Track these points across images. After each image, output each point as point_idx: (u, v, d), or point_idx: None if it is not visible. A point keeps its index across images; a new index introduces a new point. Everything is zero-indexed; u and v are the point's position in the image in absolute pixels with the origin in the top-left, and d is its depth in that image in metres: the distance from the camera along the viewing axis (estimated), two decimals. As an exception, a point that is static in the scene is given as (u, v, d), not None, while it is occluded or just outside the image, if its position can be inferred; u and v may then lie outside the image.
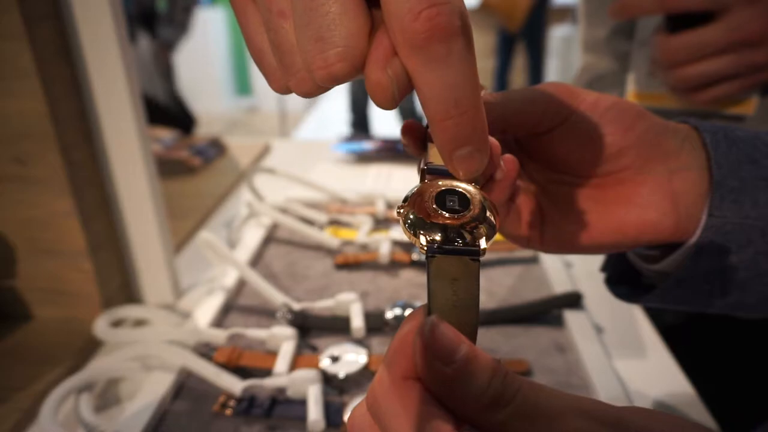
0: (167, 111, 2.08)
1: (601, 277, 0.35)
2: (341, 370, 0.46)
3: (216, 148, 1.03)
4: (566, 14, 3.99)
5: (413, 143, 0.28)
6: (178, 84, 2.24)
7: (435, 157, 0.25)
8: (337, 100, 3.86)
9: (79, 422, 0.42)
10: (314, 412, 0.41)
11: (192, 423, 0.42)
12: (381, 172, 0.96)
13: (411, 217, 0.21)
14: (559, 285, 0.59)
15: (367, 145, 1.02)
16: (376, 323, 0.52)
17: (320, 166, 0.99)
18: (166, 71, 2.10)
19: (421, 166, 0.25)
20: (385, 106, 0.19)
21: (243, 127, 4.35)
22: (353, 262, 0.63)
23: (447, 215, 0.21)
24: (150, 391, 0.44)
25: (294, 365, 0.47)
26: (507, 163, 0.27)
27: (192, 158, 0.96)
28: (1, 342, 0.52)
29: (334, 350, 0.48)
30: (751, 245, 0.28)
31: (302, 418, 0.42)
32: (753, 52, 0.44)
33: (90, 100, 0.50)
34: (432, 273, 0.20)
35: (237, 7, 0.21)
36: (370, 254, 0.64)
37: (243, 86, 4.81)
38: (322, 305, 0.53)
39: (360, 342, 0.51)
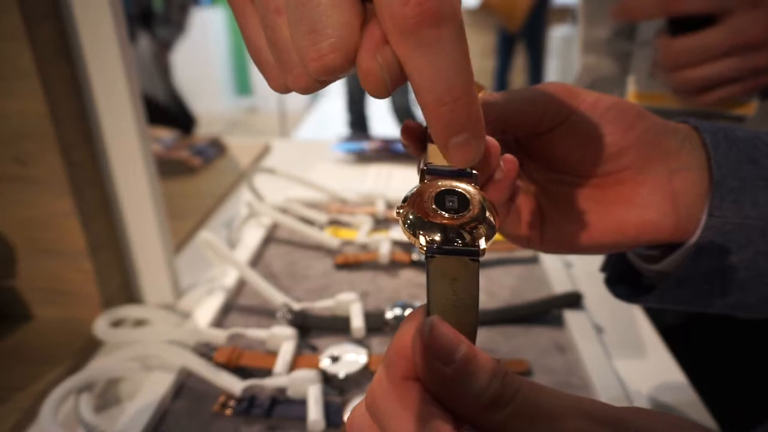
0: (167, 111, 2.08)
1: (601, 277, 0.35)
2: (341, 370, 0.46)
3: (216, 148, 1.03)
4: (566, 14, 3.99)
5: (413, 143, 0.28)
6: (175, 83, 2.24)
7: (434, 157, 0.25)
8: (337, 100, 3.86)
9: (79, 422, 0.42)
10: (314, 412, 0.41)
11: (192, 423, 0.42)
12: (381, 172, 0.96)
13: (410, 217, 0.21)
14: (559, 285, 0.59)
15: (366, 145, 1.02)
16: (376, 323, 0.52)
17: (320, 166, 0.99)
18: (163, 71, 2.11)
19: (421, 166, 0.25)
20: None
21: (243, 127, 4.35)
22: (353, 262, 0.63)
23: (446, 215, 0.21)
24: (150, 391, 0.44)
25: (294, 365, 0.47)
26: (507, 163, 0.27)
27: (192, 158, 0.96)
28: (1, 342, 0.52)
29: (334, 350, 0.48)
30: (751, 245, 0.28)
31: (302, 418, 0.42)
32: (755, 56, 0.44)
33: (90, 100, 0.50)
34: (431, 273, 0.20)
35: (236, 7, 0.21)
36: (370, 254, 0.64)
37: (243, 86, 4.82)
38: (322, 305, 0.53)
39: (360, 342, 0.51)
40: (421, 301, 0.55)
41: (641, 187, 0.29)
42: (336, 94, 3.15)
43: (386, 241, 0.64)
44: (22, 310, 0.54)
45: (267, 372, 0.46)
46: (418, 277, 0.62)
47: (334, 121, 4.01)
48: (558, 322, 0.54)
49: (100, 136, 0.51)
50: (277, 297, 0.54)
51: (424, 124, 0.29)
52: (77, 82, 0.49)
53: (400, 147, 1.01)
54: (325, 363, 0.46)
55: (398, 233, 0.67)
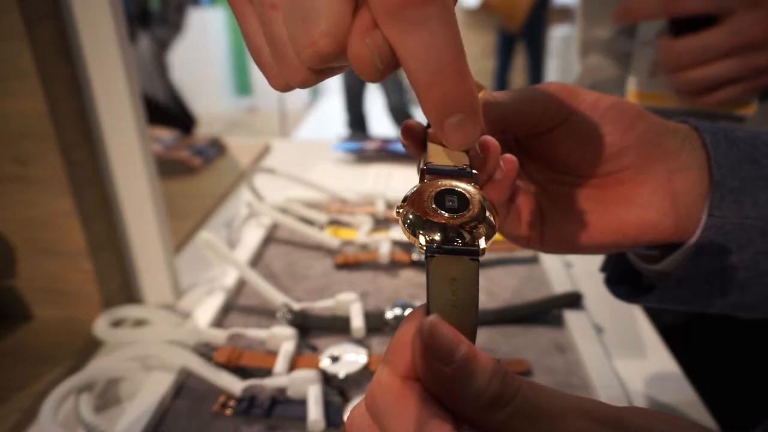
0: (167, 111, 2.08)
1: (601, 277, 0.35)
2: (341, 370, 0.46)
3: (216, 148, 1.03)
4: (566, 14, 3.99)
5: (413, 143, 0.28)
6: (174, 83, 2.24)
7: (434, 157, 0.25)
8: (337, 99, 3.86)
9: (79, 422, 0.42)
10: (314, 412, 0.41)
11: (192, 423, 0.42)
12: (381, 172, 0.96)
13: (410, 216, 0.21)
14: (559, 285, 0.59)
15: (366, 145, 1.02)
16: (376, 323, 0.52)
17: (320, 166, 0.99)
18: (161, 71, 2.11)
19: (421, 166, 0.25)
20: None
21: (243, 127, 4.35)
22: (353, 262, 0.63)
23: (446, 215, 0.21)
24: (150, 391, 0.44)
25: (294, 365, 0.47)
26: (507, 163, 0.27)
27: (192, 158, 0.96)
28: (1, 342, 0.52)
29: (334, 350, 0.48)
30: (751, 245, 0.28)
31: (302, 418, 0.42)
32: (756, 56, 0.44)
33: (90, 100, 0.50)
34: (431, 273, 0.20)
35: (235, 6, 0.21)
36: (370, 254, 0.64)
37: (243, 86, 4.82)
38: (322, 305, 0.53)
39: (360, 342, 0.51)
40: (421, 301, 0.55)
41: (641, 187, 0.29)
42: (336, 93, 3.15)
43: (386, 241, 0.64)
44: (22, 310, 0.54)
45: (267, 372, 0.46)
46: (418, 277, 0.62)
47: (334, 121, 4.01)
48: (558, 322, 0.54)
49: (100, 136, 0.51)
50: (277, 297, 0.54)
51: (424, 123, 0.29)
52: (77, 82, 0.49)
53: (398, 147, 1.01)
54: (325, 363, 0.46)
55: (398, 233, 0.67)
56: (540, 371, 0.48)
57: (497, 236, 0.23)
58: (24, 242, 0.51)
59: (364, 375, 0.46)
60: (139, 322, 0.55)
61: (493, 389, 0.18)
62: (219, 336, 0.48)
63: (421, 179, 0.23)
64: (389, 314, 0.52)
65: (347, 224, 0.73)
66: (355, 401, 0.44)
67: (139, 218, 0.54)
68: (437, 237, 0.20)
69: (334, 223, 0.73)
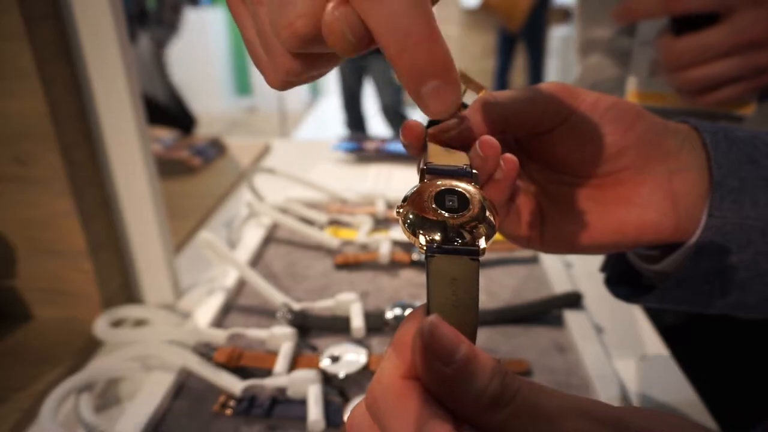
0: (167, 111, 2.08)
1: (601, 277, 0.35)
2: (341, 370, 0.46)
3: (216, 148, 1.03)
4: (566, 14, 3.99)
5: (413, 143, 0.28)
6: (174, 83, 2.24)
7: (434, 156, 0.25)
8: (336, 100, 3.86)
9: (79, 422, 0.42)
10: (314, 412, 0.41)
11: (192, 423, 0.42)
12: (381, 172, 0.96)
13: (410, 216, 0.21)
14: (559, 285, 0.59)
15: (366, 145, 1.02)
16: (376, 323, 0.52)
17: (320, 166, 0.99)
18: (160, 71, 2.11)
19: (421, 165, 0.25)
20: (342, 51, 0.19)
21: (243, 127, 4.35)
22: (353, 262, 0.63)
23: (446, 215, 0.21)
24: (150, 391, 0.44)
25: (294, 365, 0.47)
26: (507, 163, 0.27)
27: (192, 158, 0.96)
28: (1, 342, 0.52)
29: (334, 350, 0.48)
30: (751, 245, 0.28)
31: (302, 418, 0.42)
32: (757, 54, 0.44)
33: (90, 100, 0.50)
34: (431, 273, 0.20)
35: (231, 7, 0.22)
36: (370, 254, 0.64)
37: (243, 86, 4.82)
38: (322, 305, 0.53)
39: (360, 342, 0.51)
40: (421, 301, 0.55)
41: (641, 187, 0.29)
42: (336, 93, 3.15)
43: (386, 241, 0.64)
44: (22, 310, 0.54)
45: (267, 372, 0.46)
46: (418, 277, 0.62)
47: (333, 121, 4.01)
48: (558, 322, 0.54)
49: (100, 136, 0.51)
50: (277, 297, 0.54)
51: (424, 123, 0.29)
52: (77, 82, 0.49)
53: (394, 147, 1.01)
54: (325, 363, 0.46)
55: (398, 233, 0.67)
56: (540, 371, 0.48)
57: (497, 236, 0.23)
58: (24, 242, 0.51)
59: (364, 375, 0.46)
60: (139, 322, 0.55)
61: (493, 389, 0.18)
62: (219, 336, 0.48)
63: (421, 179, 0.23)
64: (389, 314, 0.52)
65: (347, 224, 0.73)
66: (355, 401, 0.44)
67: (139, 218, 0.54)
68: (437, 237, 0.20)
69: (334, 223, 0.73)
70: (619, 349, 0.52)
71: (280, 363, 0.46)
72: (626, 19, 0.50)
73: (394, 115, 2.75)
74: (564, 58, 3.99)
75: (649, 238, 0.29)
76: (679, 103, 0.52)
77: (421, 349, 0.18)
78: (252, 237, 0.68)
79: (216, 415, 0.43)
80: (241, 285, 0.60)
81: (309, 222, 0.72)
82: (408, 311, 0.52)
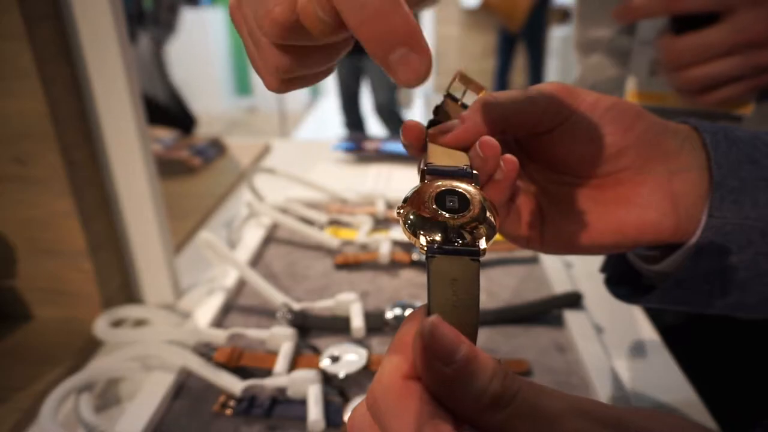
0: (167, 111, 2.08)
1: (601, 277, 0.35)
2: (341, 370, 0.46)
3: (216, 148, 1.03)
4: (566, 15, 3.99)
5: (413, 144, 0.28)
6: (174, 83, 2.24)
7: (435, 157, 0.25)
8: (336, 100, 3.86)
9: (79, 422, 0.42)
10: (314, 412, 0.41)
11: (192, 423, 0.42)
12: (381, 172, 0.96)
13: (411, 217, 0.21)
14: (559, 285, 0.59)
15: (366, 145, 1.02)
16: (376, 323, 0.52)
17: (320, 166, 0.99)
18: (161, 71, 2.11)
19: (421, 166, 0.25)
20: (318, 31, 0.20)
21: (243, 127, 4.35)
22: (353, 262, 0.63)
23: (447, 215, 0.21)
24: (150, 391, 0.44)
25: (294, 365, 0.47)
26: (507, 164, 0.27)
27: (192, 158, 0.96)
28: (1, 342, 0.52)
29: (334, 350, 0.48)
30: (751, 246, 0.28)
31: (302, 418, 0.42)
32: (758, 53, 0.44)
33: (90, 100, 0.50)
34: (432, 273, 0.20)
35: (232, 16, 0.24)
36: (370, 254, 0.64)
37: (243, 86, 4.82)
38: (322, 305, 0.53)
39: (360, 342, 0.51)
40: (421, 301, 0.55)
41: (641, 187, 0.29)
42: (335, 94, 3.15)
43: (386, 241, 0.64)
44: (22, 310, 0.54)
45: (267, 372, 0.46)
46: (418, 277, 0.62)
47: (333, 121, 4.01)
48: (558, 322, 0.54)
49: (100, 136, 0.51)
50: (277, 297, 0.54)
51: (424, 124, 0.29)
52: (77, 82, 0.49)
53: (391, 147, 1.01)
54: (325, 363, 0.46)
55: (398, 233, 0.67)
56: (540, 371, 0.48)
57: (497, 236, 0.23)
58: (24, 242, 0.51)
59: (364, 375, 0.46)
60: (139, 322, 0.55)
61: (493, 390, 0.18)
62: (219, 336, 0.48)
63: (422, 180, 0.23)
64: (389, 314, 0.52)
65: (347, 224, 0.73)
66: (355, 401, 0.44)
67: (139, 218, 0.54)
68: (438, 237, 0.20)
69: (334, 223, 0.73)
70: (619, 349, 0.52)
71: (280, 363, 0.46)
72: (626, 19, 0.50)
73: (389, 114, 2.74)
74: (564, 58, 3.99)
75: (649, 239, 0.29)
76: (678, 103, 0.52)
77: (422, 349, 0.18)
78: (252, 237, 0.68)
79: (216, 415, 0.43)
80: (241, 285, 0.60)
81: (309, 222, 0.72)
82: (408, 311, 0.52)
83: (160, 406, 0.43)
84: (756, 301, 0.29)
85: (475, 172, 0.24)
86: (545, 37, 3.68)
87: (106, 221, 0.54)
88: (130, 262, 0.57)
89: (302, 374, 0.44)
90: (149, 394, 0.43)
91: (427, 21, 4.47)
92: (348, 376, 0.46)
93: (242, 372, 0.46)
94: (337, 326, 0.52)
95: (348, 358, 0.47)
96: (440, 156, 0.26)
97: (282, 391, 0.44)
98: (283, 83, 0.24)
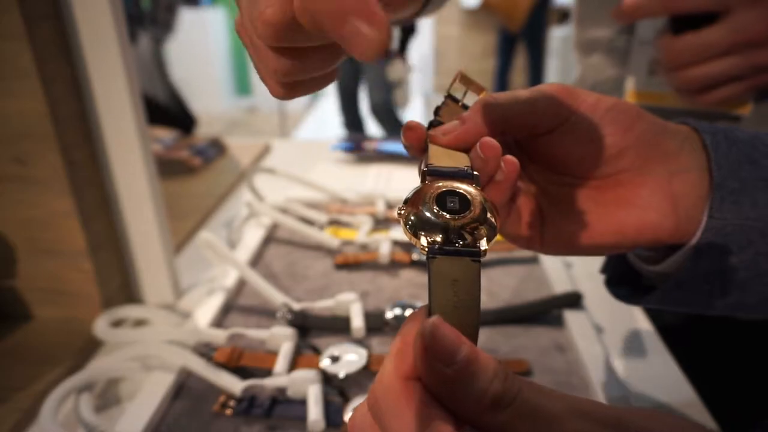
0: (167, 111, 2.07)
1: (601, 277, 0.35)
2: (341, 370, 0.46)
3: (216, 148, 1.03)
4: (565, 16, 3.99)
5: (414, 145, 0.28)
6: (174, 83, 2.24)
7: (435, 158, 0.25)
8: (336, 100, 3.86)
9: (79, 422, 0.42)
10: (314, 412, 0.41)
11: (192, 423, 0.42)
12: (381, 172, 0.96)
13: (412, 218, 0.21)
14: (559, 285, 0.59)
15: (366, 145, 1.02)
16: (376, 323, 0.52)
17: (320, 166, 0.99)
18: (161, 71, 2.11)
19: (422, 167, 0.25)
20: (310, 26, 0.20)
21: (243, 127, 4.35)
22: (353, 262, 0.63)
23: (447, 216, 0.21)
24: (150, 391, 0.44)
25: (294, 365, 0.47)
26: (507, 165, 0.27)
27: (192, 158, 0.96)
28: (1, 342, 0.52)
29: (334, 350, 0.48)
30: (751, 246, 0.28)
31: (302, 418, 0.42)
32: (757, 53, 0.44)
33: (90, 100, 0.50)
34: (433, 274, 0.20)
35: (239, 33, 0.24)
36: (370, 254, 0.64)
37: (243, 86, 4.82)
38: (322, 305, 0.53)
39: (360, 342, 0.51)
40: (421, 301, 0.55)
41: (641, 188, 0.29)
42: (334, 94, 3.15)
43: (386, 241, 0.64)
44: (22, 310, 0.54)
45: (267, 372, 0.46)
46: (419, 277, 0.62)
47: (333, 121, 4.01)
48: (558, 322, 0.54)
49: (100, 136, 0.51)
50: (277, 297, 0.54)
51: (425, 124, 0.29)
52: (77, 82, 0.49)
53: (389, 147, 1.01)
54: (325, 363, 0.46)
55: (398, 233, 0.67)
56: (540, 371, 0.48)
57: (497, 236, 0.23)
58: (24, 242, 0.51)
59: (364, 375, 0.46)
60: (139, 322, 0.55)
61: (494, 390, 0.18)
62: (219, 336, 0.48)
63: (423, 180, 0.23)
64: (389, 314, 0.52)
65: (347, 224, 0.73)
66: (355, 401, 0.44)
67: (139, 218, 0.54)
68: (439, 238, 0.20)
69: (334, 223, 0.73)
70: (619, 349, 0.52)
71: (280, 363, 0.46)
72: (625, 18, 0.50)
73: (385, 114, 2.74)
74: (564, 58, 3.99)
75: (649, 240, 0.29)
76: (677, 103, 0.52)
77: (423, 350, 0.18)
78: (252, 237, 0.68)
79: (216, 415, 0.43)
80: (241, 285, 0.60)
81: (309, 222, 0.72)
82: (408, 311, 0.52)
83: (160, 406, 0.43)
84: (756, 302, 0.29)
85: (475, 173, 0.24)
86: (545, 37, 3.68)
87: (106, 221, 0.54)
88: (130, 262, 0.57)
89: (302, 374, 0.44)
90: (149, 394, 0.43)
91: (427, 21, 4.48)
92: (348, 376, 0.46)
93: (242, 372, 0.46)
94: (337, 326, 0.52)
95: (348, 358, 0.47)
96: (441, 157, 0.26)
97: (282, 391, 0.44)
98: (286, 88, 0.24)
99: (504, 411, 0.18)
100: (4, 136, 0.47)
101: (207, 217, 0.80)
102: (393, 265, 0.63)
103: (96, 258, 0.52)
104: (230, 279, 0.59)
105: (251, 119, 4.54)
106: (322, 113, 4.53)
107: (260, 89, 4.67)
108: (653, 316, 0.58)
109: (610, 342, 0.53)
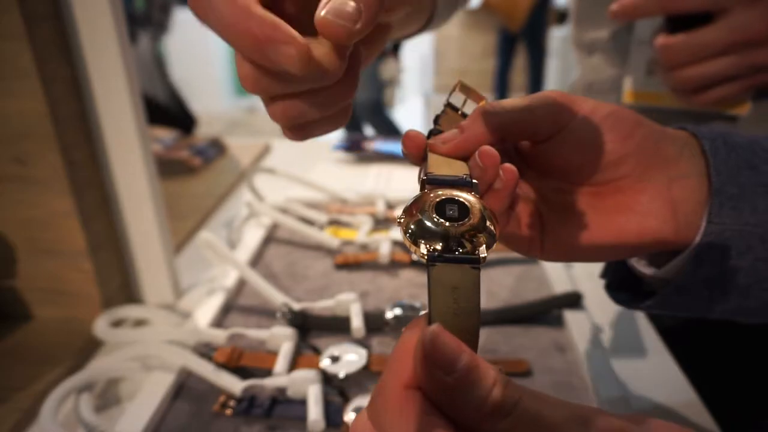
0: (167, 111, 2.07)
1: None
2: (341, 370, 0.46)
3: (216, 148, 1.03)
4: (563, 17, 3.99)
5: (413, 153, 0.28)
6: (174, 83, 2.23)
7: (435, 166, 0.25)
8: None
9: (79, 422, 0.42)
10: (314, 412, 0.41)
11: (192, 423, 0.43)
12: (381, 172, 0.96)
13: (412, 226, 0.21)
14: (559, 285, 0.59)
15: (366, 145, 1.02)
16: (376, 323, 0.52)
17: (320, 166, 0.99)
18: (161, 71, 2.11)
19: (421, 176, 0.25)
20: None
21: (243, 127, 4.34)
22: (353, 262, 0.63)
23: (447, 224, 0.21)
24: (150, 391, 0.44)
25: (294, 365, 0.47)
26: (506, 172, 0.27)
27: (192, 158, 0.96)
28: (1, 342, 0.52)
29: (334, 350, 0.48)
30: (750, 252, 0.28)
31: (302, 418, 0.42)
32: (754, 53, 0.44)
33: (90, 100, 0.50)
34: (432, 281, 0.20)
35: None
36: (370, 254, 0.64)
37: (243, 86, 4.81)
38: (322, 305, 0.54)
39: (360, 342, 0.51)
40: (421, 300, 0.55)
41: (641, 194, 0.29)
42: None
43: (386, 241, 0.64)
44: (22, 310, 0.54)
45: (267, 372, 0.46)
46: (419, 277, 0.62)
47: (333, 120, 4.00)
48: (558, 322, 0.54)
49: (100, 136, 0.51)
50: (277, 297, 0.54)
51: (424, 133, 0.29)
52: (77, 82, 0.49)
53: (388, 147, 1.01)
54: (325, 363, 0.47)
55: (398, 233, 0.67)
56: (540, 371, 0.48)
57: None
58: (24, 242, 0.51)
59: (364, 375, 0.46)
60: (139, 322, 0.55)
61: (494, 398, 0.18)
62: (219, 336, 0.48)
63: (422, 189, 0.24)
64: (389, 314, 0.52)
65: (347, 224, 0.73)
66: (355, 401, 0.44)
67: (139, 218, 0.54)
68: (438, 246, 0.20)
69: (334, 223, 0.73)
70: (619, 349, 0.52)
71: (280, 363, 0.46)
72: (622, 17, 0.50)
73: (374, 113, 2.74)
74: (564, 58, 3.99)
75: (649, 245, 0.29)
76: (674, 103, 0.52)
77: (423, 358, 0.18)
78: (252, 237, 0.68)
79: (216, 415, 0.43)
80: (241, 285, 0.60)
81: (309, 222, 0.72)
82: (408, 311, 0.52)
83: (160, 406, 0.43)
84: (756, 307, 0.29)
85: (474, 181, 0.24)
86: (545, 37, 3.68)
87: (106, 221, 0.54)
88: (130, 262, 0.57)
89: (302, 374, 0.44)
90: (149, 394, 0.43)
91: (427, 20, 4.46)
92: (348, 376, 0.46)
93: (242, 372, 0.46)
94: (337, 326, 0.52)
95: (348, 358, 0.47)
96: (440, 165, 0.26)
97: (282, 391, 0.44)
98: (294, 131, 0.26)
99: (504, 419, 0.18)
100: (4, 136, 0.47)
101: (207, 217, 0.80)
102: (393, 265, 0.63)
103: (96, 258, 0.52)
104: (230, 279, 0.59)
105: (251, 119, 4.54)
106: (322, 113, 4.52)
107: (260, 89, 4.66)
108: (653, 316, 0.58)
109: (610, 342, 0.53)
